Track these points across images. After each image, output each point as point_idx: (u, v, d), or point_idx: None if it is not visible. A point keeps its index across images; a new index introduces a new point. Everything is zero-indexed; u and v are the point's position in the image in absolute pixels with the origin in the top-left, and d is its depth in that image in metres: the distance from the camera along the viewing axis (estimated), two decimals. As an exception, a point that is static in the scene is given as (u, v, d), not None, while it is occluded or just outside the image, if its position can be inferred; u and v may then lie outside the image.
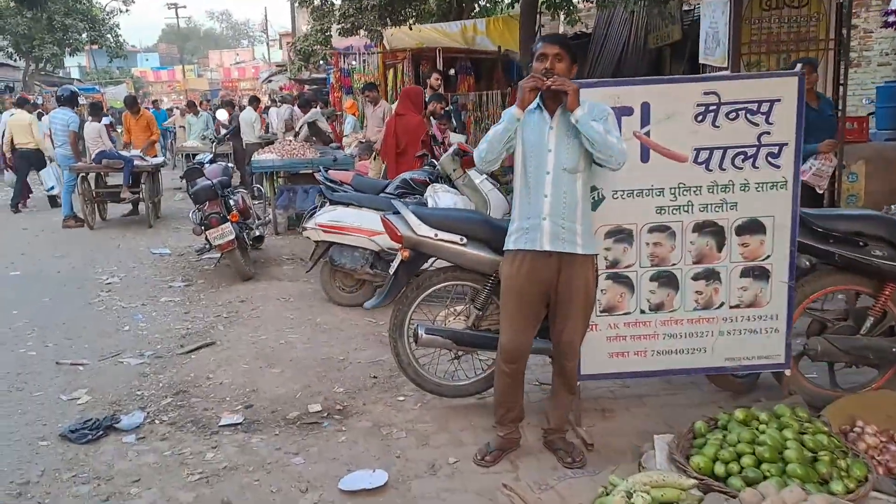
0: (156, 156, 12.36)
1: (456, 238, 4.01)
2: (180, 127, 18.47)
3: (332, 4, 21.28)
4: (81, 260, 8.79)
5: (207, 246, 7.42)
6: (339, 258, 6.38)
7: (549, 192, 3.35)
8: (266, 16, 52.59)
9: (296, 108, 16.20)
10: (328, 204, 6.67)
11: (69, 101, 11.14)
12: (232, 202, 7.59)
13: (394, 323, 4.22)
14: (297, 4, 21.09)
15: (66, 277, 7.89)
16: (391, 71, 15.61)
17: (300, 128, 13.82)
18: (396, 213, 4.27)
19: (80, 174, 10.67)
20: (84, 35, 28.43)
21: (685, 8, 15.73)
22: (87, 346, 5.54)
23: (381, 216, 4.33)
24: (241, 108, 18.55)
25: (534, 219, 3.39)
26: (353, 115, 13.13)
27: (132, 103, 12.45)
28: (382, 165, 8.90)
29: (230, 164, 8.87)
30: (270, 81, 40.40)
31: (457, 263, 4.08)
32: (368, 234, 6.35)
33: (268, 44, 54.88)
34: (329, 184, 7.57)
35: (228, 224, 7.16)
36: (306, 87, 26.63)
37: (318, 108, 16.85)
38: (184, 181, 8.00)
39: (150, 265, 8.48)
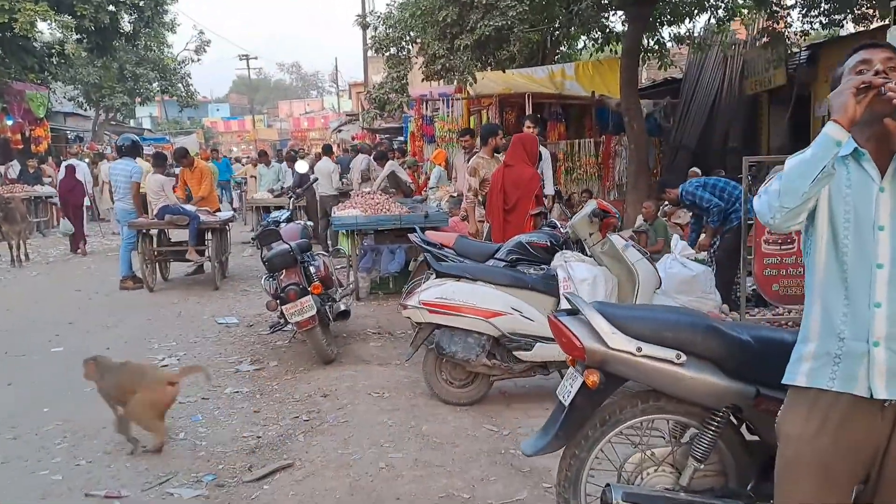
0: (218, 210, 11.41)
1: (670, 354, 2.67)
2: (251, 177, 17.71)
3: (409, 51, 20.55)
4: (136, 331, 7.72)
5: (282, 322, 6.24)
6: (448, 345, 5.09)
7: (883, 297, 1.99)
8: (336, 66, 52.83)
9: (373, 158, 15.27)
10: (434, 276, 5.40)
11: (131, 150, 10.28)
12: (312, 269, 6.42)
13: (565, 476, 2.87)
14: (372, 52, 20.27)
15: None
16: (475, 117, 14.56)
17: (378, 183, 12.77)
18: (569, 312, 2.96)
19: (141, 231, 9.72)
20: (155, 84, 28.38)
21: (792, 50, 14.37)
22: (129, 466, 4.32)
23: (550, 316, 3.02)
24: (317, 158, 17.72)
25: (853, 341, 2.04)
26: (440, 165, 11.99)
27: (182, 156, 11.52)
28: (485, 225, 7.65)
29: (309, 223, 7.75)
30: (341, 131, 40.18)
31: (669, 392, 2.73)
32: (486, 316, 5.06)
33: (338, 94, 55.08)
34: (428, 248, 6.35)
35: (309, 298, 5.97)
36: (378, 136, 25.93)
37: (394, 158, 15.91)
38: (255, 243, 6.93)
39: (215, 339, 7.35)
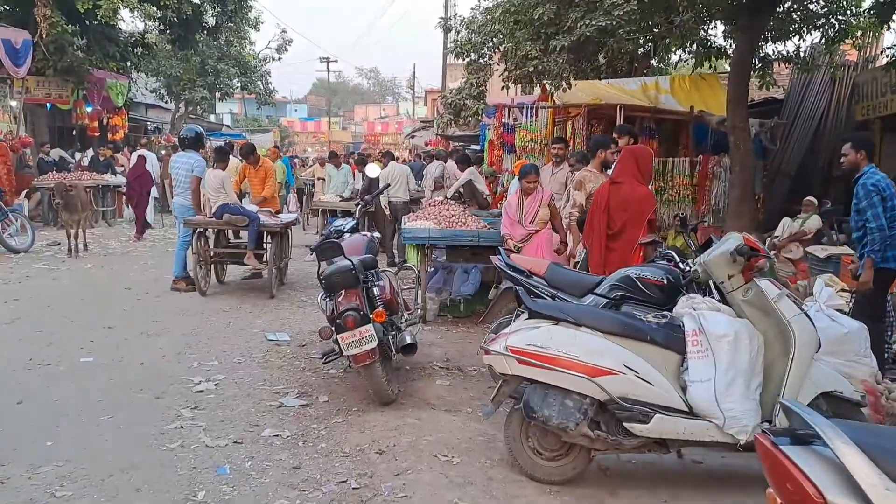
0: (279, 211, 10.49)
1: None
2: (319, 179, 16.86)
3: (490, 58, 19.53)
4: (177, 343, 6.78)
5: (337, 352, 5.18)
6: (540, 407, 3.94)
7: None
8: (414, 72, 52.05)
9: (448, 164, 14.20)
10: (524, 315, 4.25)
11: (194, 143, 9.41)
12: (376, 291, 5.34)
13: None
14: (451, 58, 19.31)
15: (149, 374, 5.84)
16: (559, 128, 13.37)
17: (454, 189, 11.71)
18: (795, 440, 1.79)
19: (197, 229, 8.84)
20: (235, 80, 27.98)
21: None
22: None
23: (760, 438, 1.84)
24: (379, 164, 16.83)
25: None
26: (520, 177, 10.81)
27: (249, 152, 10.63)
28: (581, 251, 6.47)
29: (376, 234, 6.70)
30: (413, 137, 39.41)
31: None
32: (591, 374, 3.90)
33: (413, 99, 54.42)
34: (514, 275, 5.22)
35: (370, 327, 4.90)
36: (452, 143, 24.91)
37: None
38: (313, 256, 5.94)
39: (261, 360, 6.35)
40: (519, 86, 21.47)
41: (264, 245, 9.19)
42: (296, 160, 25.78)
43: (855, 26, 13.95)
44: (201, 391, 5.44)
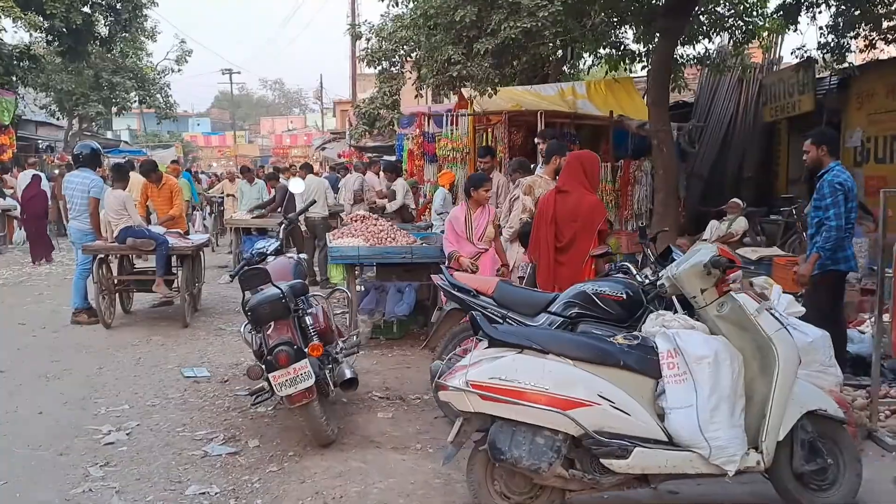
0: (187, 232, 9.75)
1: None
2: (228, 195, 16.02)
3: (402, 66, 19.15)
4: (81, 385, 6.04)
5: (268, 391, 4.61)
6: (508, 447, 3.50)
7: None
8: (321, 83, 51.17)
9: (367, 176, 13.69)
10: (484, 343, 3.81)
11: (90, 160, 8.58)
12: (309, 320, 4.80)
13: None
14: (362, 67, 18.82)
15: (49, 426, 5.11)
16: (479, 136, 13.07)
17: (399, 203, 11.19)
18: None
19: (98, 256, 8.04)
20: (132, 94, 26.56)
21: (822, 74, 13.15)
22: None
23: None
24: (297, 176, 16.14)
25: None
26: (445, 187, 10.43)
27: (150, 169, 9.85)
28: (524, 264, 6.09)
29: (302, 256, 6.12)
30: (324, 149, 38.63)
31: None
32: (563, 407, 3.51)
33: (322, 111, 53.44)
34: (461, 295, 4.79)
35: (305, 363, 4.36)
36: (365, 154, 24.35)
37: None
38: (233, 281, 5.38)
39: (179, 401, 5.69)
40: (431, 94, 21.16)
41: (174, 270, 8.46)
42: (201, 175, 24.68)
43: (762, 27, 14.22)
44: (112, 443, 4.76)
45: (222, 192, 16.97)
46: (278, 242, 5.73)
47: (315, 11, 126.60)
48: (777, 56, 15.64)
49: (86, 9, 18.76)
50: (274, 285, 4.62)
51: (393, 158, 20.10)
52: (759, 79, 14.95)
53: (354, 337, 5.58)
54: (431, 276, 5.58)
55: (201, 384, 6.14)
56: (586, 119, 12.91)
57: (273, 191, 13.04)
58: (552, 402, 3.50)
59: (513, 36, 8.21)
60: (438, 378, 3.77)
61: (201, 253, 8.94)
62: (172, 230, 8.94)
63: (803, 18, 11.94)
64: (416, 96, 22.89)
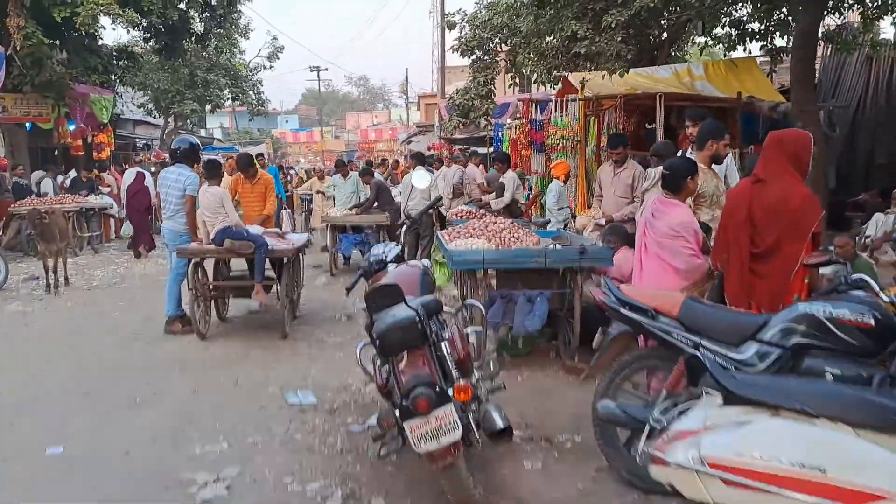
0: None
1: None
2: (318, 193, 15.14)
3: (496, 53, 18.07)
4: (174, 416, 5.17)
5: (396, 438, 3.56)
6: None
7: None
8: (407, 77, 50.59)
9: (468, 168, 12.62)
10: (716, 399, 2.65)
11: (188, 155, 7.80)
12: (445, 347, 3.73)
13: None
14: (458, 53, 17.77)
15: (135, 472, 4.23)
16: (594, 123, 11.83)
17: (509, 198, 10.09)
18: None
19: (193, 259, 7.23)
20: (226, 91, 26.32)
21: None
22: None
23: None
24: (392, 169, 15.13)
25: None
26: (560, 178, 9.26)
27: (248, 163, 9.04)
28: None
29: (426, 263, 5.03)
30: (410, 142, 37.82)
31: None
32: (851, 500, 2.30)
33: (407, 105, 52.80)
34: (634, 315, 3.64)
35: (450, 409, 3.30)
36: (455, 147, 23.33)
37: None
38: (351, 295, 4.39)
39: (284, 437, 4.75)
40: (528, 82, 19.89)
41: (278, 275, 7.59)
42: (291, 171, 24.13)
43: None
44: (208, 501, 3.82)
45: (311, 190, 16.26)
46: (399, 247, 4.69)
47: (402, 6, 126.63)
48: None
49: (181, 6, 18.29)
50: (408, 305, 3.58)
51: (484, 150, 19.08)
52: (893, 56, 13.22)
53: (491, 363, 4.47)
54: (591, 290, 4.47)
55: (307, 413, 5.19)
56: (710, 102, 11.46)
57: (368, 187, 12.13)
58: (835, 493, 2.33)
59: (651, 4, 6.95)
60: (647, 442, 2.64)
61: (300, 255, 8.03)
62: (270, 230, 8.09)
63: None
64: (511, 85, 21.65)
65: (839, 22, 12.72)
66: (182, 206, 7.55)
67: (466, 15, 17.48)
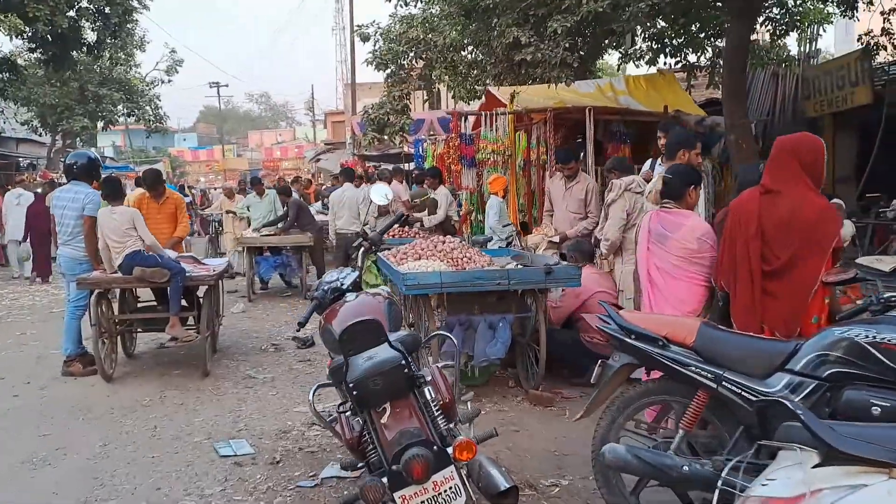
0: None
1: None
2: (227, 213, 13.87)
3: (411, 68, 17.57)
4: (81, 479, 4.30)
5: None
6: None
7: None
8: (313, 93, 49.52)
9: (393, 185, 12.00)
10: (811, 457, 2.13)
11: (86, 172, 6.85)
12: (428, 393, 3.08)
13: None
14: (372, 67, 17.15)
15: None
16: (520, 135, 11.48)
17: (442, 216, 9.50)
18: None
19: (97, 291, 6.31)
20: (120, 107, 24.70)
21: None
22: None
23: None
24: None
25: None
26: (498, 194, 8.80)
27: (156, 180, 8.07)
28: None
29: (384, 290, 4.34)
30: (319, 160, 36.85)
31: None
32: None
33: (314, 122, 51.67)
34: (638, 344, 3.14)
35: (452, 471, 2.67)
36: (370, 164, 22.68)
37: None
38: (300, 338, 3.68)
39: (220, 499, 3.97)
40: (446, 97, 19.48)
41: (196, 306, 6.75)
42: (193, 190, 22.86)
43: (806, 17, 12.84)
44: None
45: (220, 210, 14.92)
46: (356, 273, 4.02)
47: (305, 24, 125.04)
48: (814, 49, 14.32)
49: (72, 13, 16.92)
50: (391, 345, 2.93)
51: (402, 166, 18.51)
52: (798, 72, 13.53)
53: (468, 404, 3.85)
54: (583, 316, 3.94)
55: (245, 467, 4.43)
56: (637, 116, 11.30)
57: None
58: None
59: (599, 9, 6.55)
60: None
61: (220, 282, 7.19)
62: (185, 255, 7.24)
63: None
64: (426, 100, 21.19)
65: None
66: (81, 228, 6.60)
67: (380, 28, 16.95)
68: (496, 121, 10.99)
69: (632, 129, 12.01)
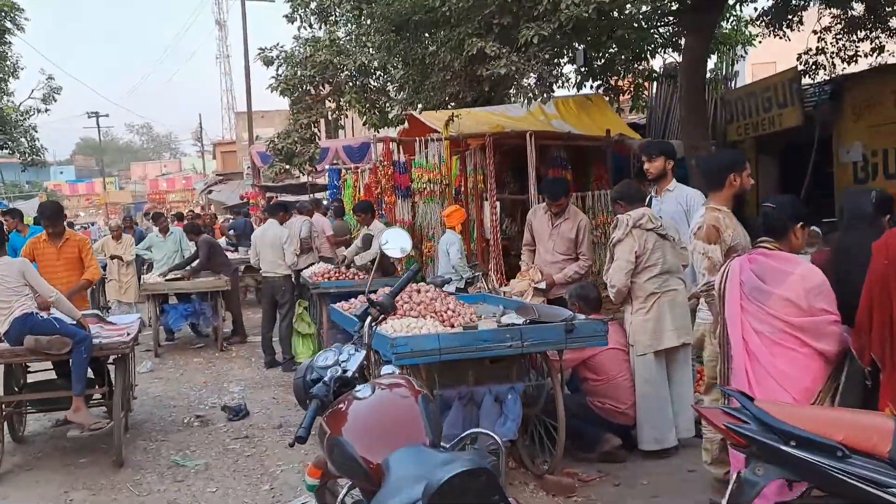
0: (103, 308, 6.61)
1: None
2: (111, 258, 10.53)
3: (319, 93, 16.40)
4: None
5: None
6: None
7: None
8: (201, 123, 47.07)
9: (315, 218, 10.78)
10: None
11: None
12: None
13: None
14: (277, 93, 15.84)
15: None
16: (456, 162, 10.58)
17: (373, 255, 8.38)
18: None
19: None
20: (-9, 138, 22.08)
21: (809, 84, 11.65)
22: None
23: None
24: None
25: None
26: (455, 228, 7.83)
27: (55, 215, 6.45)
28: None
29: (396, 373, 3.20)
30: (211, 192, 34.81)
31: None
32: None
33: (203, 153, 49.11)
34: (797, 453, 2.16)
35: None
36: (275, 195, 21.20)
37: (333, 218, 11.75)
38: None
39: None
40: (363, 125, 18.45)
41: (102, 377, 5.36)
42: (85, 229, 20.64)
43: (728, 38, 12.66)
44: None
45: (104, 254, 10.50)
46: (361, 354, 2.89)
47: (188, 53, 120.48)
48: (733, 71, 14.15)
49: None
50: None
51: (304, 198, 17.27)
52: (716, 95, 13.27)
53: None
54: (694, 407, 2.95)
55: None
56: (577, 140, 10.56)
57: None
58: None
59: (585, 14, 5.66)
60: None
61: (133, 349, 5.78)
62: (88, 312, 5.81)
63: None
64: (335, 127, 20.03)
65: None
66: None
67: (284, 51, 15.73)
68: (428, 147, 10.01)
69: (569, 154, 11.29)
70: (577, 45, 7.37)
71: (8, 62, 20.30)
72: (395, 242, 3.30)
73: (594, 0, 5.55)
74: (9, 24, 16.13)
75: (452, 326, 4.59)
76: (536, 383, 4.45)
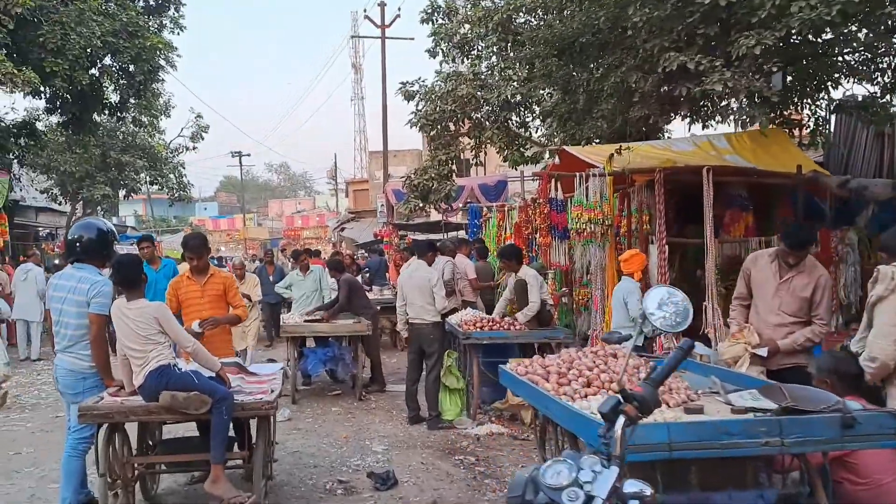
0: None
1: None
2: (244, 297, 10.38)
3: (459, 128, 15.76)
4: None
5: None
6: None
7: None
8: (336, 162, 48.10)
9: (458, 259, 9.94)
10: None
11: (95, 251, 4.90)
12: None
13: None
14: (416, 129, 15.34)
15: None
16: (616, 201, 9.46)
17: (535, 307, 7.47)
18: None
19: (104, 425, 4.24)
20: (143, 174, 23.01)
21: None
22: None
23: None
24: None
25: None
26: (635, 275, 6.80)
27: (200, 247, 5.87)
28: None
29: (610, 480, 2.29)
30: (343, 229, 35.16)
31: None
32: None
33: (336, 191, 50.21)
34: None
35: None
36: (409, 234, 20.76)
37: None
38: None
39: None
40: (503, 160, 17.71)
41: (237, 431, 4.67)
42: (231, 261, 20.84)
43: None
44: None
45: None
46: (615, 470, 1.95)
47: (324, 96, 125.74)
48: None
49: (94, 70, 15.30)
50: None
51: (436, 237, 16.62)
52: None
53: None
54: None
55: None
56: (761, 177, 9.22)
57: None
58: None
59: (827, 17, 4.53)
60: None
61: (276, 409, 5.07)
62: (228, 361, 5.15)
63: None
64: (468, 166, 19.42)
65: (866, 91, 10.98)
66: (85, 329, 4.58)
67: (425, 85, 15.26)
68: (588, 182, 8.99)
69: (750, 195, 9.92)
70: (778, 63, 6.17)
71: (161, 100, 21.10)
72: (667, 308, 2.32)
73: (839, 0, 4.39)
74: (162, 62, 16.54)
75: (668, 406, 3.56)
76: (791, 491, 3.32)
